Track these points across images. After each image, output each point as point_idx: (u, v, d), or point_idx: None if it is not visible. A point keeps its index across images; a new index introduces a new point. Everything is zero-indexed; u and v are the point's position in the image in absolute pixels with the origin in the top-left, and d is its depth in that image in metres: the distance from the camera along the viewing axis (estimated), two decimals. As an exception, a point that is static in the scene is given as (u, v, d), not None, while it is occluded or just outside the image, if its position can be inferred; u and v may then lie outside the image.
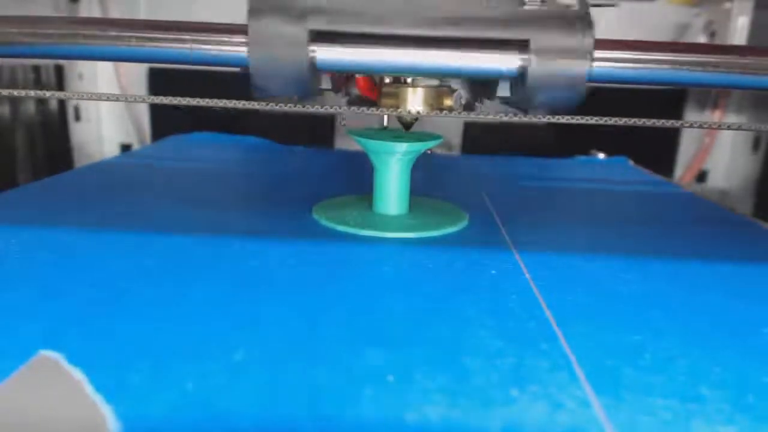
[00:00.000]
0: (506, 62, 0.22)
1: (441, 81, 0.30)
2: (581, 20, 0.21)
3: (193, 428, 0.14)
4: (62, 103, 0.73)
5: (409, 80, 0.29)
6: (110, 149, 0.78)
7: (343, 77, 0.32)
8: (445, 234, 0.30)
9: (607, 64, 0.22)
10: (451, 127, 0.74)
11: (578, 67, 0.21)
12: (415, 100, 0.29)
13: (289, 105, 0.24)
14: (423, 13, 0.21)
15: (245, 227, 0.30)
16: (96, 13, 0.72)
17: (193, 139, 0.61)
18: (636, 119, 0.23)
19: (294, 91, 0.22)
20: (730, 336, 0.20)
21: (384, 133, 0.32)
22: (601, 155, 0.62)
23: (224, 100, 0.24)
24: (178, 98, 0.24)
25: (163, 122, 0.76)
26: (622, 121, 0.23)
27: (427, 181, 0.44)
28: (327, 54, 0.22)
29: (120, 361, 0.16)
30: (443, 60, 0.22)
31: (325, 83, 0.27)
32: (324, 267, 0.25)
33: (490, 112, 0.25)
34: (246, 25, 0.21)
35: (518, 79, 0.22)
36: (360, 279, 0.23)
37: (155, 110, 0.76)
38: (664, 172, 0.66)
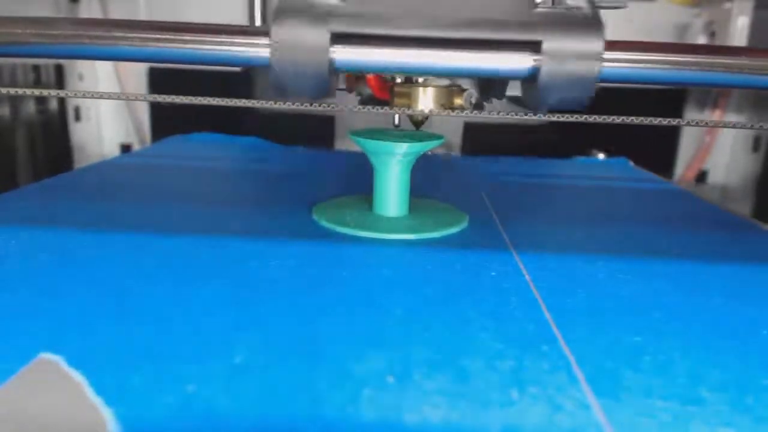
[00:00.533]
0: (519, 63, 0.22)
1: (451, 80, 0.30)
2: (592, 22, 0.22)
3: (194, 430, 0.14)
4: (62, 103, 0.73)
5: (420, 80, 0.30)
6: (110, 149, 0.78)
7: (354, 77, 0.33)
8: (445, 235, 0.30)
9: (617, 64, 0.22)
10: (451, 127, 0.74)
11: (589, 68, 0.22)
12: (426, 100, 0.30)
13: (288, 104, 0.25)
14: (438, 15, 0.22)
15: (245, 228, 0.30)
16: (96, 13, 0.72)
17: (193, 139, 0.61)
18: (635, 117, 0.24)
19: (314, 91, 0.23)
20: (730, 337, 0.20)
21: (384, 133, 0.32)
22: (601, 156, 0.62)
23: (225, 99, 0.24)
24: (180, 97, 0.24)
25: (164, 122, 0.76)
26: (620, 119, 0.24)
27: (427, 182, 0.44)
28: (346, 55, 0.22)
29: (120, 363, 0.16)
30: (458, 61, 0.22)
31: (340, 83, 0.27)
32: (324, 268, 0.25)
33: (501, 111, 0.26)
34: (268, 28, 0.22)
35: (530, 79, 0.23)
36: (360, 280, 0.23)
37: (155, 110, 0.76)
38: (664, 171, 0.66)
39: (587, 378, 0.17)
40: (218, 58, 0.23)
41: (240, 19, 0.72)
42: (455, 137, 0.75)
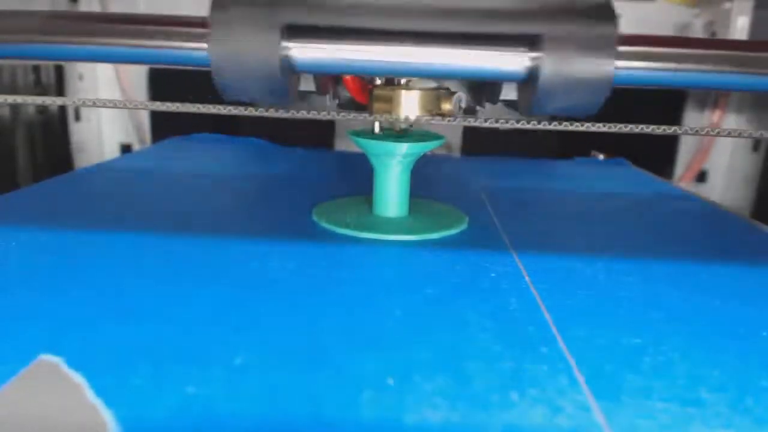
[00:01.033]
0: (514, 61, 0.18)
1: (438, 83, 0.27)
2: (603, 11, 0.18)
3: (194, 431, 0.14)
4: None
5: (403, 82, 0.27)
6: (110, 149, 0.78)
7: (329, 78, 0.29)
8: (445, 236, 0.30)
9: (634, 63, 0.18)
10: (450, 127, 0.74)
11: (601, 67, 0.18)
12: (409, 105, 0.26)
13: (291, 112, 0.23)
14: (417, 4, 0.18)
15: (245, 228, 0.30)
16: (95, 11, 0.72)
17: (193, 140, 0.61)
18: (633, 126, 0.23)
19: (266, 95, 0.19)
20: (730, 339, 0.20)
21: (384, 134, 0.32)
22: (601, 156, 0.62)
23: (228, 107, 0.23)
24: (177, 104, 0.23)
25: (163, 122, 0.76)
26: (617, 128, 0.23)
27: (427, 182, 0.44)
28: (304, 52, 0.18)
29: (120, 365, 0.16)
30: (440, 59, 0.19)
31: (308, 85, 0.24)
32: (324, 269, 0.25)
33: (493, 118, 0.23)
34: (206, 18, 0.18)
35: (527, 81, 0.19)
36: (360, 281, 0.23)
37: (155, 110, 0.76)
38: (664, 172, 0.66)
39: (587, 380, 0.17)
40: (147, 56, 0.19)
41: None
42: (455, 138, 0.74)
